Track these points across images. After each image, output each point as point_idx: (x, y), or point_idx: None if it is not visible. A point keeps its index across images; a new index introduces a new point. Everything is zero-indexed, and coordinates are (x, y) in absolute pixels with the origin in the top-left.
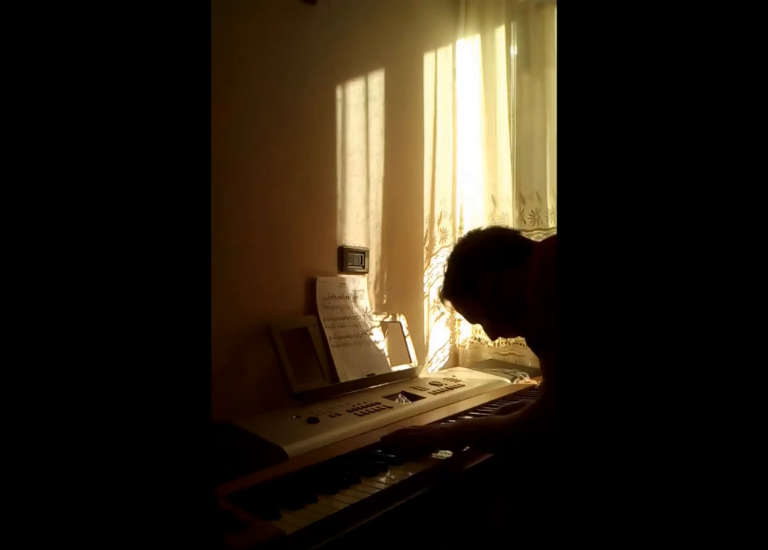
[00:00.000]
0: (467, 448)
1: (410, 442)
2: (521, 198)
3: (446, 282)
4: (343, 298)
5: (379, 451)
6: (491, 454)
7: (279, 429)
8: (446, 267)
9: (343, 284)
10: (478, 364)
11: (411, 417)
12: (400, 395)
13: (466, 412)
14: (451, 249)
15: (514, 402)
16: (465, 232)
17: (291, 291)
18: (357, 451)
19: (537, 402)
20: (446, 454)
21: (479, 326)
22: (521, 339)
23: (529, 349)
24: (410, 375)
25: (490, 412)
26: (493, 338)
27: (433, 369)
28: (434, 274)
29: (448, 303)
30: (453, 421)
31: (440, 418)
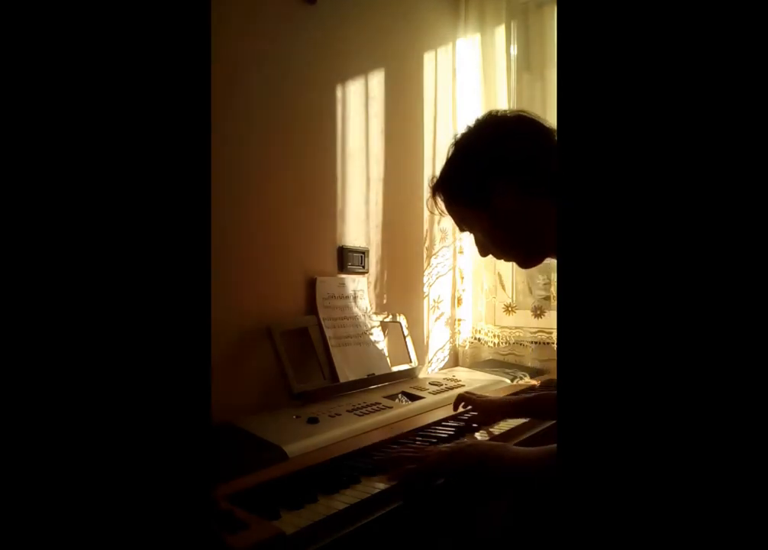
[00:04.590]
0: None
1: (402, 467)
2: None
3: (446, 174)
4: (343, 298)
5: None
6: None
7: (279, 429)
8: (452, 154)
9: (343, 284)
10: (478, 364)
11: (411, 417)
12: (400, 395)
13: (465, 412)
14: (466, 130)
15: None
16: (487, 113)
17: (291, 291)
18: (357, 451)
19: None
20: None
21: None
22: (521, 338)
23: (529, 350)
24: (410, 375)
25: None
26: (483, 256)
27: (433, 369)
28: (434, 274)
29: (439, 201)
30: (455, 443)
31: (440, 418)
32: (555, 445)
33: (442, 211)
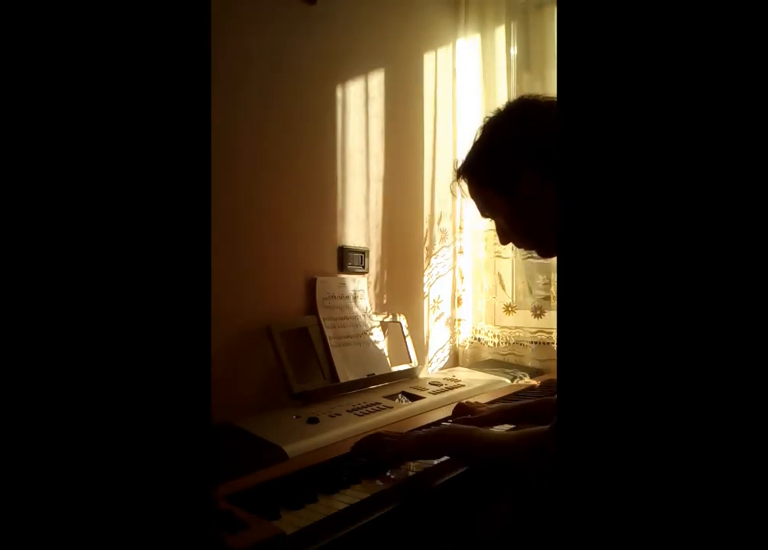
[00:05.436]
0: (443, 458)
1: (381, 449)
2: None
3: (474, 157)
4: (343, 298)
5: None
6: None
7: (279, 429)
8: (480, 136)
9: (343, 284)
10: (478, 364)
11: (411, 417)
12: (400, 395)
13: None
14: (496, 114)
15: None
16: (518, 98)
17: (291, 291)
18: None
19: (540, 431)
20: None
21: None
22: (521, 338)
23: (529, 350)
24: (410, 375)
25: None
26: (503, 243)
27: (433, 369)
28: (434, 274)
29: (463, 184)
30: (434, 427)
31: (440, 418)
32: (529, 429)
33: (465, 194)
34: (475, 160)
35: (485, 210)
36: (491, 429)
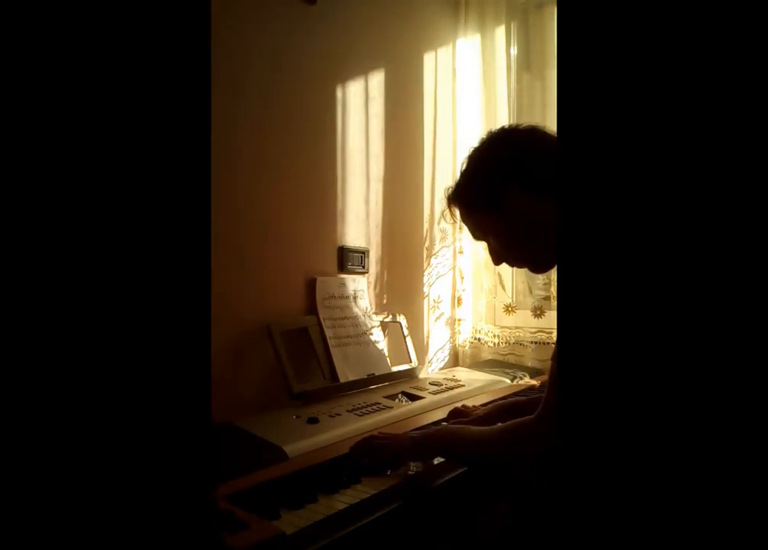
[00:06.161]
0: (437, 460)
1: (377, 452)
2: None
3: (462, 183)
4: (343, 298)
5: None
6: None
7: (279, 429)
8: (466, 165)
9: (343, 284)
10: (478, 364)
11: (411, 417)
12: (400, 395)
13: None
14: (479, 143)
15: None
16: (500, 127)
17: (291, 291)
18: None
19: (524, 421)
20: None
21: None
22: (521, 338)
23: (529, 350)
24: (410, 375)
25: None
26: (497, 264)
27: (433, 369)
28: (434, 274)
29: (455, 210)
30: (425, 429)
31: (440, 418)
32: (512, 421)
33: (458, 220)
34: (464, 186)
35: (477, 231)
36: (480, 427)
